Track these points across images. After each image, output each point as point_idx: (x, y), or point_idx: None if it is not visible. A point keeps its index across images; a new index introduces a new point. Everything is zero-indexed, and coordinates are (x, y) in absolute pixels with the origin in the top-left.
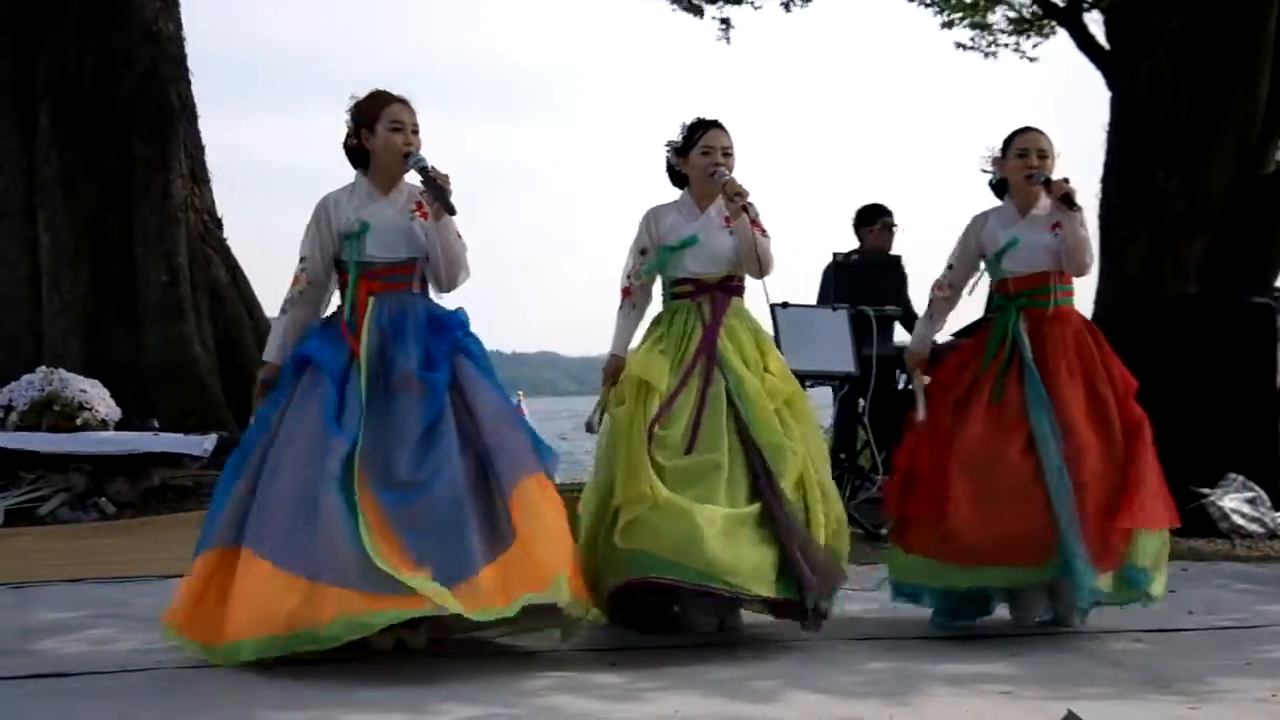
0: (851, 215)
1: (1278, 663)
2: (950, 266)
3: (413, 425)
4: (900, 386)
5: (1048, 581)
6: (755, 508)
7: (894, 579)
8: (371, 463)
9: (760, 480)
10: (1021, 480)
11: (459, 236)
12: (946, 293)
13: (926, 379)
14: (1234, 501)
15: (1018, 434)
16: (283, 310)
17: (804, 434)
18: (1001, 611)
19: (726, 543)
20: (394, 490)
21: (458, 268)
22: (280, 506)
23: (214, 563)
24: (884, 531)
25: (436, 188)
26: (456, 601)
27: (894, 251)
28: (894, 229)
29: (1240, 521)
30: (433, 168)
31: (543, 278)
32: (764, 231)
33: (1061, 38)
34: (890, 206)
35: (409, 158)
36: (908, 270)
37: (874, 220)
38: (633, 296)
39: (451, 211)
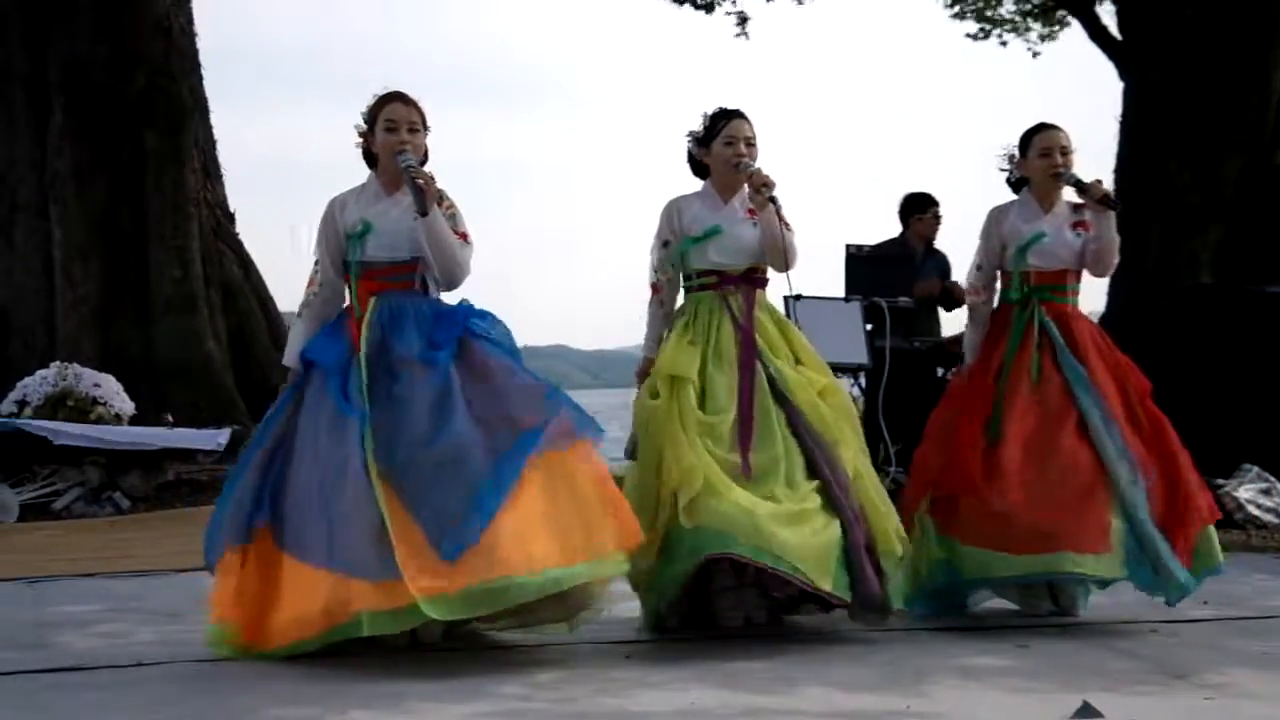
0: (898, 206)
1: None
2: (979, 267)
3: (419, 402)
4: (940, 375)
5: (1099, 577)
6: (817, 498)
7: (952, 580)
8: (381, 441)
9: (821, 471)
10: (1080, 468)
11: (463, 236)
12: (984, 295)
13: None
14: (1249, 492)
15: (1068, 417)
16: (299, 313)
17: (844, 427)
18: (1002, 602)
19: (794, 530)
20: (406, 452)
21: (453, 266)
22: (309, 503)
23: (236, 561)
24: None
25: (415, 188)
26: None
27: (936, 243)
28: (941, 219)
29: (1255, 512)
30: (413, 168)
31: (554, 270)
32: (788, 225)
33: (1074, 28)
34: (898, 196)
35: (398, 156)
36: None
37: (925, 209)
38: (661, 293)
39: (422, 213)
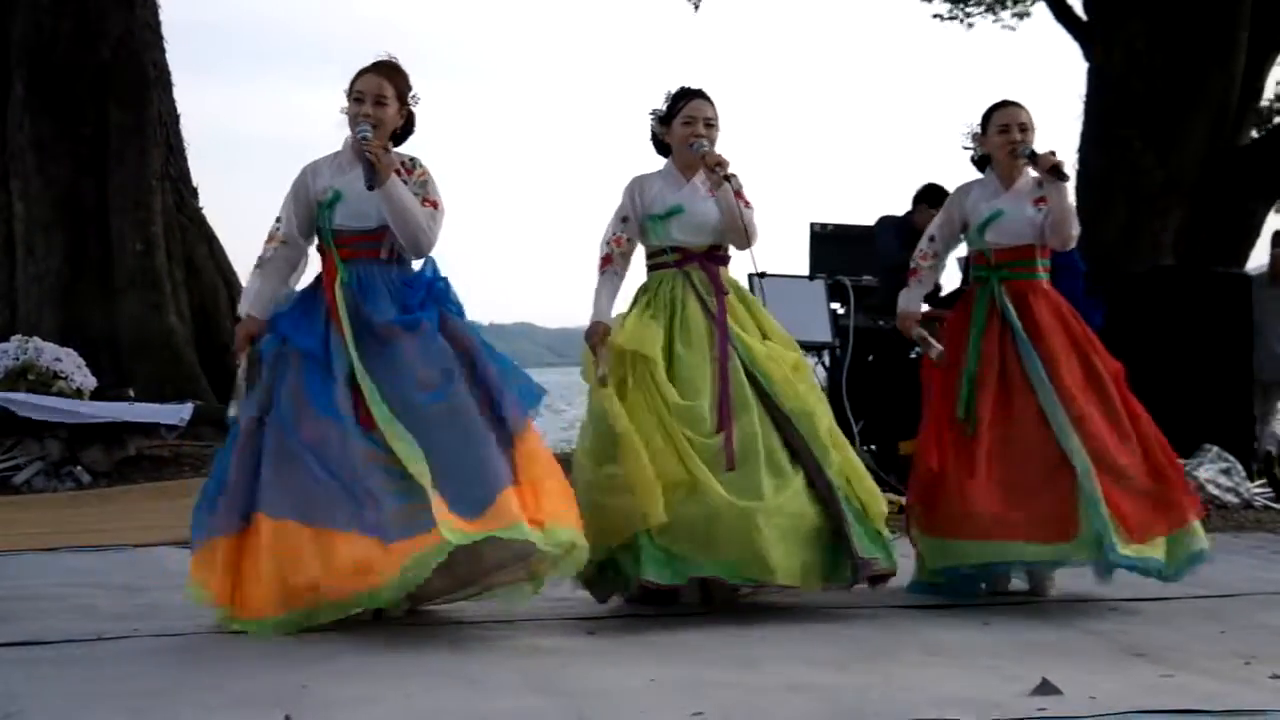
0: (917, 189)
1: (1252, 631)
2: (932, 237)
3: (413, 360)
4: (912, 357)
5: (1072, 561)
6: (800, 485)
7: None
8: (384, 390)
9: (799, 453)
10: (1045, 459)
11: (433, 204)
12: (930, 261)
13: (922, 331)
14: (1210, 472)
15: (1028, 406)
16: (256, 267)
17: (817, 401)
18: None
19: (785, 546)
20: (414, 395)
21: (417, 234)
22: (293, 469)
23: (231, 546)
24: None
25: (364, 162)
26: (479, 528)
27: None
28: None
29: (1216, 492)
30: (366, 140)
31: (519, 248)
32: (747, 203)
33: (1039, 8)
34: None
35: (356, 129)
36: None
37: (938, 205)
38: (614, 264)
39: (369, 187)
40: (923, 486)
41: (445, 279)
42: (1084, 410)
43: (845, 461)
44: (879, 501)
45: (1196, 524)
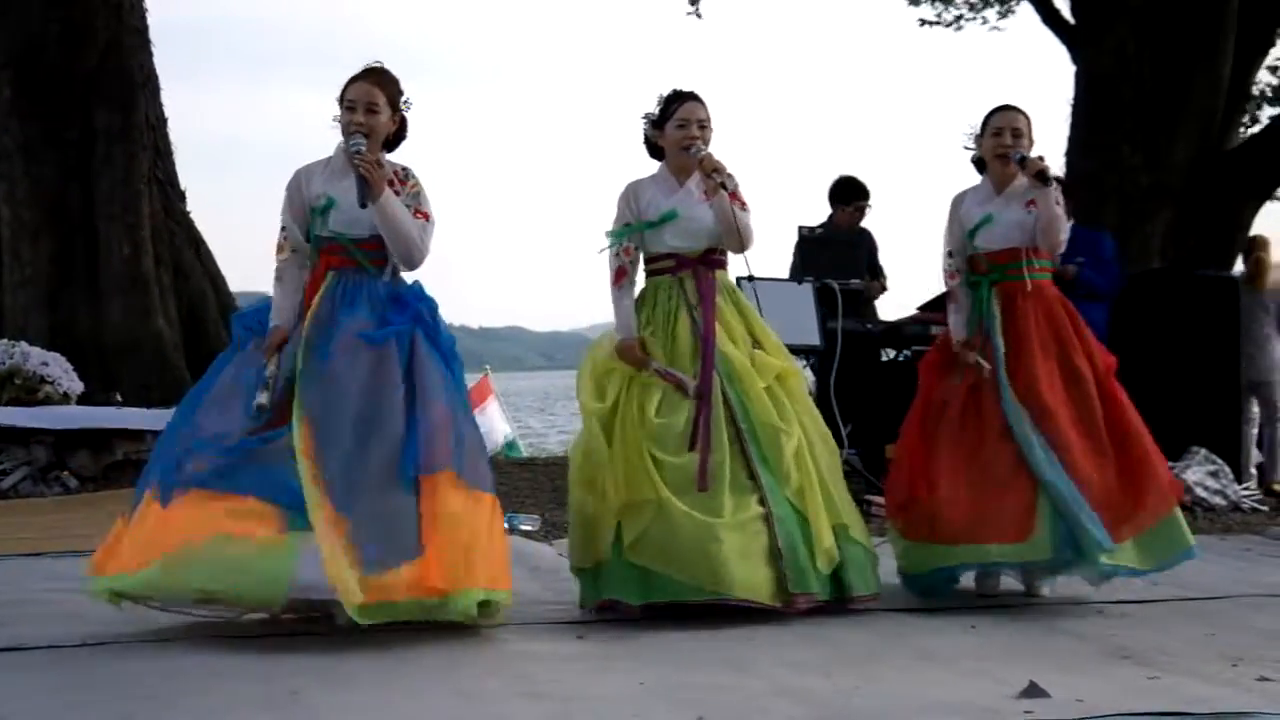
0: (829, 186)
1: (1239, 633)
2: (950, 254)
3: (354, 386)
4: (893, 358)
5: (1029, 561)
6: (758, 509)
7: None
8: (309, 414)
9: (757, 478)
10: (1003, 465)
11: (424, 216)
12: (958, 279)
13: (973, 356)
14: (1197, 474)
15: (995, 417)
16: (276, 279)
17: (798, 412)
18: (962, 582)
19: (745, 563)
20: (337, 454)
21: (409, 247)
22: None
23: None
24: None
25: (358, 177)
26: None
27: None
28: (865, 212)
29: (1203, 494)
30: (360, 154)
31: (510, 251)
32: (744, 205)
33: (1027, 11)
34: (863, 181)
35: (348, 139)
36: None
37: (850, 201)
38: (626, 276)
39: (362, 204)
40: (899, 488)
41: (432, 302)
42: (1055, 422)
43: (806, 484)
44: (827, 536)
45: (1178, 519)
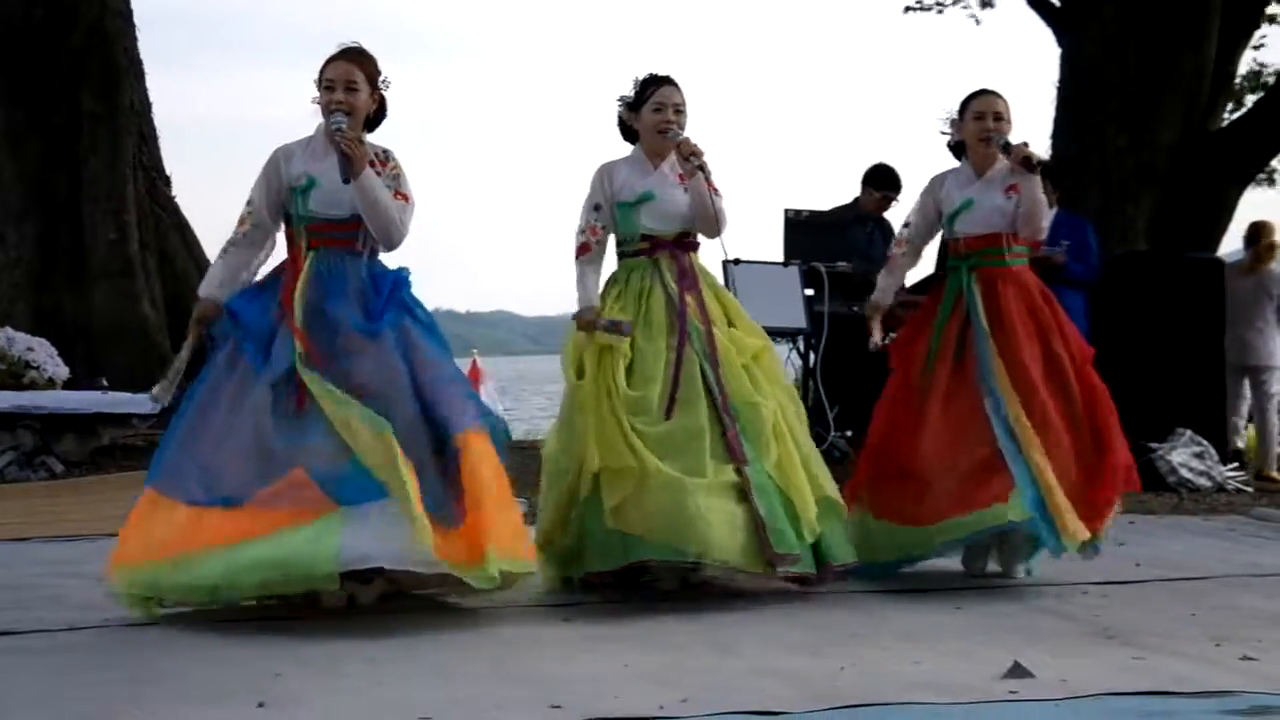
0: (864, 170)
1: (1223, 613)
2: (907, 224)
3: (364, 371)
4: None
5: (1008, 525)
6: (737, 478)
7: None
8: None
9: (734, 446)
10: (978, 440)
11: (404, 197)
12: (905, 249)
13: (874, 321)
14: (1182, 456)
15: (975, 396)
16: (224, 251)
17: (775, 392)
18: (947, 563)
19: (721, 522)
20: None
21: (389, 228)
22: (210, 451)
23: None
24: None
25: (340, 154)
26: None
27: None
28: (892, 203)
29: (1188, 475)
30: (341, 132)
31: (498, 236)
32: (717, 190)
33: None
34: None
35: (329, 117)
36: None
37: (880, 188)
38: (590, 252)
39: (344, 180)
40: (871, 467)
41: (409, 282)
42: (1035, 405)
43: (785, 456)
44: (810, 508)
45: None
